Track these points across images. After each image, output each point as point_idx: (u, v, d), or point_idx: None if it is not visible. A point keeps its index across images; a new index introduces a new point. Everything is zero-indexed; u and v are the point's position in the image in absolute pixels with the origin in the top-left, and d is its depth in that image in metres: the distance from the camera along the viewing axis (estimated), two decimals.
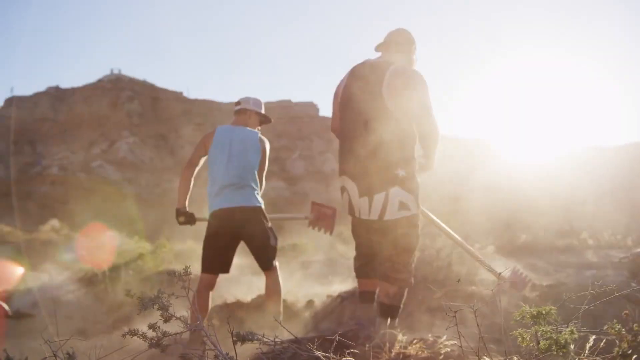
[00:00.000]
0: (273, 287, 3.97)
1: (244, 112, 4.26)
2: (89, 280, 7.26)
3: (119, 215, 30.33)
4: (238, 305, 4.76)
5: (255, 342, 2.34)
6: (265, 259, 3.94)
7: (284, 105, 51.26)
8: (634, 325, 1.45)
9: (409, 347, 2.67)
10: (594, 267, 5.74)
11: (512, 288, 4.02)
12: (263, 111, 4.35)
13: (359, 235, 3.65)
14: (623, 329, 1.44)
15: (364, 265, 3.64)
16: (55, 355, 1.65)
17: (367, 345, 2.72)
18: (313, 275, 6.80)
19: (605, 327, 1.45)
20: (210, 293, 3.89)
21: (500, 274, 3.83)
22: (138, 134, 46.20)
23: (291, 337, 3.64)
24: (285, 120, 48.67)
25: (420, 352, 2.62)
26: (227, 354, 1.87)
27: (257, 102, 4.33)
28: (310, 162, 48.53)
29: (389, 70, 3.26)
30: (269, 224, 4.00)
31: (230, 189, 3.88)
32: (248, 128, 4.15)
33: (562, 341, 1.26)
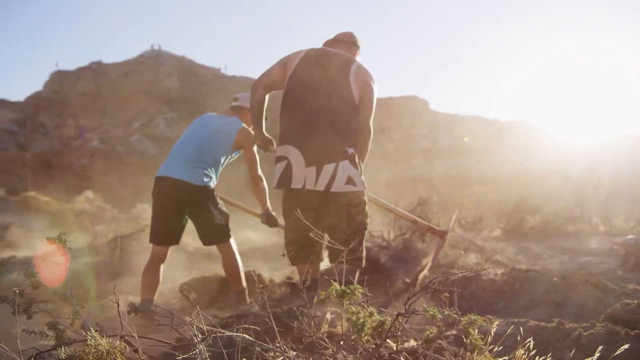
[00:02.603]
0: (228, 264, 3.92)
1: (239, 110, 4.15)
2: (93, 249, 7.43)
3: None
4: (215, 278, 4.76)
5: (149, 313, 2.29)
6: (206, 236, 3.87)
7: None
8: (448, 309, 1.33)
9: (338, 326, 2.61)
10: (593, 254, 5.48)
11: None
12: None
13: (295, 215, 3.50)
14: (439, 314, 1.32)
15: (302, 249, 3.47)
16: None
17: (295, 324, 2.67)
18: None
19: (420, 310, 1.34)
20: (162, 266, 3.82)
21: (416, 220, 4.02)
22: (176, 109, 46.85)
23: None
24: None
25: (347, 331, 2.56)
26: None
27: None
28: None
29: (354, 65, 3.46)
30: (218, 204, 3.89)
31: (181, 162, 3.78)
32: (237, 118, 4.03)
33: (359, 323, 1.16)
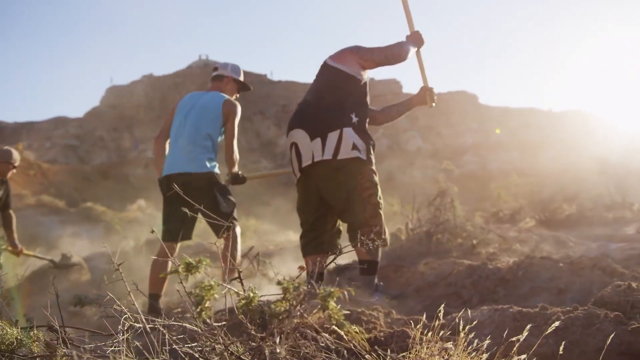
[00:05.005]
0: (227, 251, 3.82)
1: (220, 79, 4.13)
2: (127, 252, 7.62)
3: None
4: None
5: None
6: (215, 226, 3.81)
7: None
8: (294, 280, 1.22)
9: (310, 317, 2.51)
10: (627, 240, 5.12)
11: None
12: (242, 78, 4.21)
13: (308, 199, 3.46)
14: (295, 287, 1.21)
15: (314, 239, 3.45)
16: None
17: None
18: None
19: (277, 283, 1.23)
20: (170, 262, 3.80)
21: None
22: None
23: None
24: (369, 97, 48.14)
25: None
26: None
27: (235, 68, 4.19)
28: (394, 140, 47.70)
29: (330, 57, 3.52)
30: (225, 191, 3.84)
31: (182, 154, 3.78)
32: (218, 92, 4.00)
33: (200, 296, 1.08)
